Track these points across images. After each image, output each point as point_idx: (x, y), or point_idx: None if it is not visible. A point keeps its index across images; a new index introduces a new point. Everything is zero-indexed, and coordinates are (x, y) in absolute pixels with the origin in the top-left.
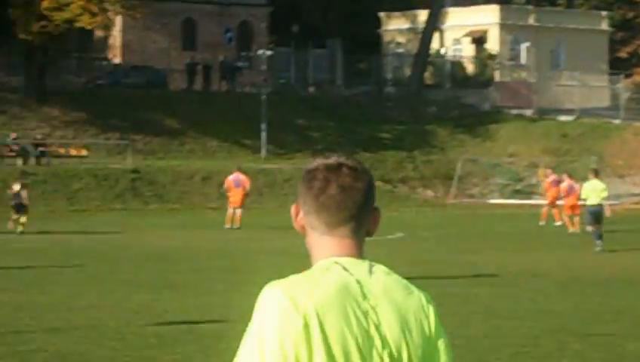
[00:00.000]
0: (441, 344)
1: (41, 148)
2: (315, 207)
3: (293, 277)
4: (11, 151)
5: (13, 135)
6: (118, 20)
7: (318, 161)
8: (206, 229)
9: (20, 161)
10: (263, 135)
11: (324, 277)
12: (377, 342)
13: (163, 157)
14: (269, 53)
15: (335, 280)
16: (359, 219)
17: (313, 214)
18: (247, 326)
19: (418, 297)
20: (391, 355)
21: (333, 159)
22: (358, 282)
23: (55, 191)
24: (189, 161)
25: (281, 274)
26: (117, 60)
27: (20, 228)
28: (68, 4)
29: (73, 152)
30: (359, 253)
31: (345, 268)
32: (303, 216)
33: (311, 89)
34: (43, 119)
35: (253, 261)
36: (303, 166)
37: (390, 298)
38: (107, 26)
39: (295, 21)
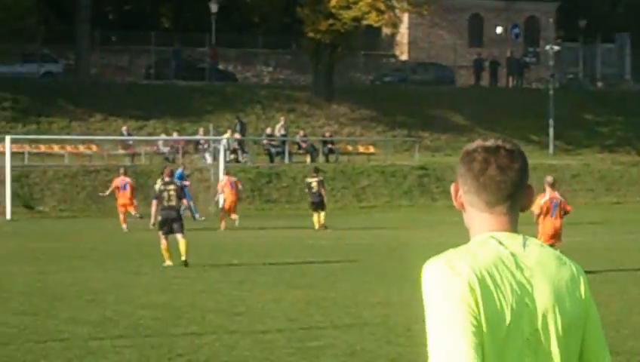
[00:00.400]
0: (592, 312)
1: (329, 146)
2: (475, 187)
3: (451, 250)
4: (300, 148)
5: (302, 132)
6: (405, 17)
7: (478, 143)
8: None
9: (308, 158)
10: (551, 131)
11: (481, 250)
12: (531, 309)
13: (450, 154)
14: (556, 48)
15: (491, 252)
16: (515, 197)
17: (473, 193)
18: None
19: (570, 268)
20: (543, 320)
21: (491, 141)
22: (513, 255)
23: (344, 188)
24: None
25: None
26: (404, 57)
27: (317, 226)
28: (356, 2)
29: (361, 149)
30: (514, 228)
31: (500, 242)
32: (462, 194)
33: (599, 84)
34: (331, 117)
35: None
36: (591, 162)
37: (544, 269)
38: (394, 24)
39: (583, 15)
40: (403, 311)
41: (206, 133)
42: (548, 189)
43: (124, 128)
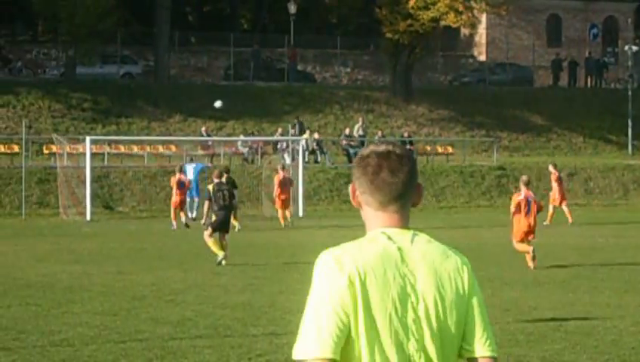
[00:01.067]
0: (474, 300)
1: (408, 146)
2: (370, 188)
3: (343, 245)
4: None
5: (380, 133)
6: (484, 18)
7: (371, 148)
8: (572, 226)
9: None
10: (629, 131)
11: (370, 245)
12: (413, 298)
13: (529, 154)
14: (634, 48)
15: (379, 247)
16: (406, 197)
17: (368, 194)
18: (611, 324)
19: (454, 260)
20: (425, 309)
21: (382, 147)
22: (400, 249)
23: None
24: (554, 157)
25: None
26: (482, 58)
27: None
28: (434, 3)
29: (439, 150)
30: (405, 224)
31: (390, 238)
32: (359, 194)
33: None
34: (409, 117)
35: (621, 258)
36: None
37: (428, 261)
38: (473, 24)
39: None
40: None
41: (284, 133)
42: (522, 188)
43: (203, 129)
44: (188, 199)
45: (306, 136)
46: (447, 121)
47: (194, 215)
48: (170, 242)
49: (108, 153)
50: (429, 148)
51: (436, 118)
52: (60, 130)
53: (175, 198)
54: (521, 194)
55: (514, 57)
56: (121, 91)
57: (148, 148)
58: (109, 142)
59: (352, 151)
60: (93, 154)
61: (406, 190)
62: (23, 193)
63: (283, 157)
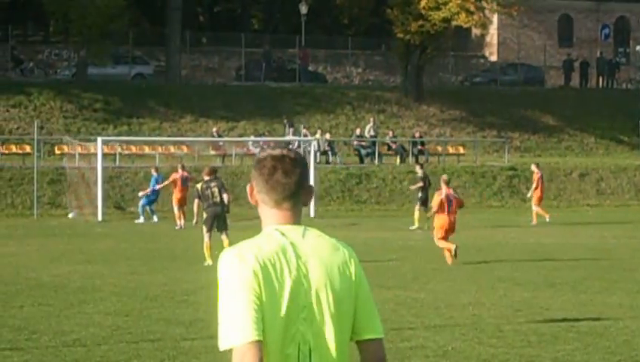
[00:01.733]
0: (362, 288)
1: (419, 147)
2: (265, 188)
3: (241, 243)
4: (389, 149)
5: (392, 133)
6: (495, 18)
7: (267, 152)
8: (584, 226)
9: (398, 159)
10: None
11: (266, 241)
12: (306, 287)
13: (540, 155)
14: None
15: (274, 243)
16: (297, 196)
17: (264, 193)
18: (623, 325)
19: (343, 253)
20: (317, 297)
21: (277, 151)
22: (292, 244)
23: (433, 189)
24: (566, 158)
25: None
26: (493, 58)
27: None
28: (445, 3)
29: (451, 150)
30: (297, 221)
31: (283, 234)
32: (256, 193)
33: None
34: (421, 117)
35: (632, 258)
36: None
37: (318, 254)
38: (484, 24)
39: None
40: (494, 312)
41: (296, 134)
42: (443, 186)
43: (214, 129)
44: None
45: (317, 136)
46: (459, 122)
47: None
48: (182, 242)
49: (119, 154)
50: (440, 148)
51: (447, 118)
52: (72, 131)
53: (179, 195)
54: (442, 193)
55: (525, 57)
56: (133, 92)
57: (159, 149)
58: (121, 143)
59: (363, 151)
60: (104, 155)
61: (298, 190)
62: (35, 193)
63: None
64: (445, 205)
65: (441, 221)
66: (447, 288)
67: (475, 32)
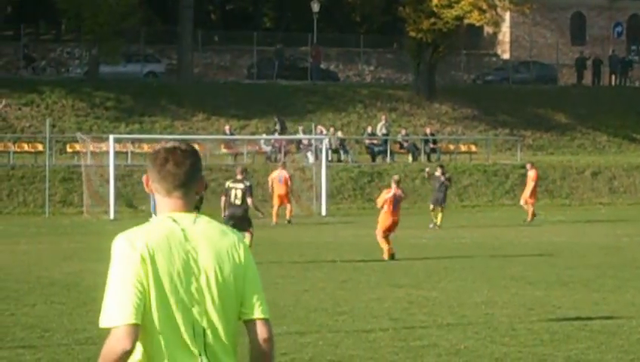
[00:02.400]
0: (249, 271)
1: (431, 145)
2: (158, 178)
3: (134, 228)
4: (401, 147)
5: (404, 131)
6: (507, 16)
7: (161, 145)
8: (596, 225)
9: (409, 158)
10: None
11: (157, 227)
12: (195, 270)
13: (553, 153)
14: None
15: (165, 229)
16: (188, 186)
17: (157, 182)
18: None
19: (232, 238)
20: (207, 279)
21: (170, 144)
22: (183, 229)
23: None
24: (578, 156)
25: None
26: (506, 56)
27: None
28: (458, 1)
29: (463, 148)
30: (188, 208)
31: (174, 220)
32: (151, 183)
33: None
34: (433, 115)
35: None
36: None
37: (208, 239)
38: (496, 22)
39: None
40: (507, 310)
41: (306, 132)
42: (393, 186)
43: (226, 127)
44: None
45: (329, 133)
46: (471, 120)
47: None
48: None
49: (131, 152)
50: (452, 146)
51: (459, 116)
52: (84, 129)
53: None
54: (391, 192)
55: (538, 55)
56: (145, 90)
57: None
58: (133, 141)
59: (375, 150)
60: (116, 153)
61: (188, 180)
62: (47, 192)
63: (306, 156)
64: (391, 205)
65: (385, 220)
66: (460, 287)
67: (488, 30)
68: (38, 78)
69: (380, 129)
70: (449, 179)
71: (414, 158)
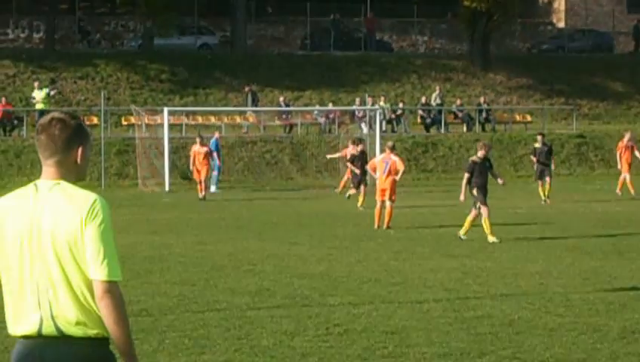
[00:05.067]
0: (93, 234)
1: (485, 115)
2: (37, 147)
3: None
4: (456, 118)
5: (459, 102)
6: None
7: (44, 117)
8: None
9: (464, 128)
10: None
11: (19, 192)
12: (36, 232)
13: (609, 122)
14: None
15: (20, 194)
16: (61, 155)
17: (38, 151)
18: None
19: (79, 204)
20: (49, 240)
21: (50, 115)
22: (36, 195)
23: (500, 158)
24: (635, 125)
25: None
26: (561, 24)
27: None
28: None
29: (518, 118)
30: (57, 177)
31: (35, 186)
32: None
33: None
34: (487, 85)
35: None
36: None
37: (53, 205)
38: None
39: None
40: (561, 281)
41: (362, 103)
42: (387, 151)
43: (281, 98)
44: (214, 172)
45: (382, 103)
46: (526, 89)
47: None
48: (247, 212)
49: (185, 124)
50: (507, 116)
51: (514, 86)
52: (138, 102)
53: (206, 168)
54: (381, 156)
55: (593, 23)
56: (199, 62)
57: (225, 119)
58: (187, 113)
59: (429, 120)
60: (170, 126)
61: (59, 150)
62: (102, 164)
63: (360, 127)
64: (380, 168)
65: (378, 182)
66: (514, 257)
67: None
68: (92, 51)
69: (434, 99)
70: (551, 149)
71: (469, 129)
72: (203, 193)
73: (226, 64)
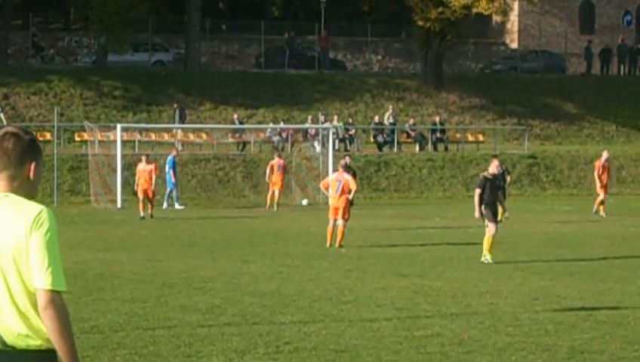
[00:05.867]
0: (36, 244)
1: (438, 134)
2: None
3: None
4: (409, 137)
5: (412, 121)
6: (516, 5)
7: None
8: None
9: (417, 147)
10: None
11: None
12: None
13: (560, 143)
14: None
15: None
16: (12, 170)
17: None
18: None
19: (24, 215)
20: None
21: (4, 129)
22: None
23: (452, 177)
24: (586, 146)
25: None
26: (514, 45)
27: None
28: None
29: (470, 138)
30: (8, 191)
31: None
32: None
33: None
34: (440, 105)
35: None
36: None
37: (2, 213)
38: (505, 11)
39: None
40: (511, 301)
41: (314, 121)
42: (340, 170)
43: (235, 116)
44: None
45: (334, 122)
46: (479, 109)
47: (168, 206)
48: (200, 230)
49: (139, 141)
50: (459, 136)
51: (467, 105)
52: (92, 118)
53: (149, 187)
54: (332, 176)
55: (546, 44)
56: (152, 79)
57: (179, 136)
58: (140, 130)
59: (381, 139)
60: (124, 142)
61: (11, 164)
62: (55, 181)
63: (313, 145)
64: (333, 187)
65: (331, 202)
66: (465, 276)
67: (496, 18)
68: (46, 66)
69: (387, 118)
70: (507, 169)
71: (421, 148)
72: (142, 213)
73: (179, 81)
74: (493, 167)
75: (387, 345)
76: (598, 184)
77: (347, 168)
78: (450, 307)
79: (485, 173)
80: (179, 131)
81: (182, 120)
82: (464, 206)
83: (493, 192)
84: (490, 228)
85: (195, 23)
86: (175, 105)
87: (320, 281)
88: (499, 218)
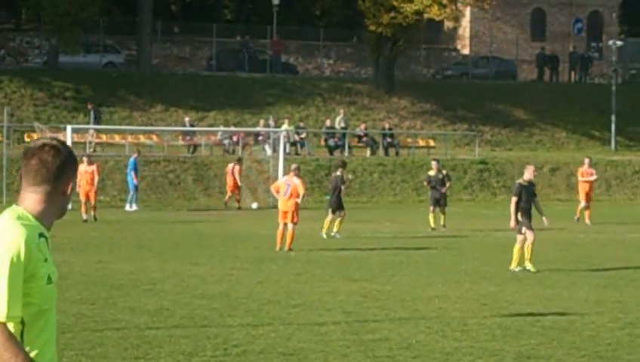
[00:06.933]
0: None
1: (389, 139)
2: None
3: None
4: (360, 141)
5: (363, 126)
6: (467, 11)
7: (34, 141)
8: (553, 221)
9: (368, 152)
10: (613, 127)
11: None
12: None
13: (511, 149)
14: (619, 43)
15: None
16: (51, 184)
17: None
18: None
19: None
20: None
21: (41, 141)
22: None
23: (403, 182)
24: (537, 152)
25: (628, 268)
26: (465, 51)
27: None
28: None
29: (421, 143)
30: (40, 207)
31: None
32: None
33: None
34: (392, 110)
35: (601, 254)
36: None
37: None
38: (456, 17)
39: None
40: (459, 306)
41: (266, 125)
42: (290, 173)
43: (186, 119)
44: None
45: (285, 126)
46: (430, 115)
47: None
48: (149, 232)
49: (89, 142)
50: (410, 141)
51: (418, 111)
52: (42, 119)
53: (92, 188)
54: (282, 179)
55: (497, 51)
56: (104, 80)
57: (129, 138)
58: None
59: (332, 143)
60: (74, 143)
61: (49, 179)
62: (4, 181)
63: (264, 149)
64: (282, 190)
65: (280, 205)
66: (414, 281)
67: (448, 24)
68: None
69: (339, 122)
70: (447, 175)
71: (372, 152)
72: (85, 216)
73: (130, 83)
74: (529, 173)
75: (335, 348)
76: (581, 192)
77: (297, 171)
78: (399, 311)
79: (520, 180)
80: (92, 132)
81: (97, 121)
82: (414, 211)
83: (529, 199)
84: (528, 235)
85: (147, 24)
86: (89, 106)
87: (269, 284)
88: (432, 227)
